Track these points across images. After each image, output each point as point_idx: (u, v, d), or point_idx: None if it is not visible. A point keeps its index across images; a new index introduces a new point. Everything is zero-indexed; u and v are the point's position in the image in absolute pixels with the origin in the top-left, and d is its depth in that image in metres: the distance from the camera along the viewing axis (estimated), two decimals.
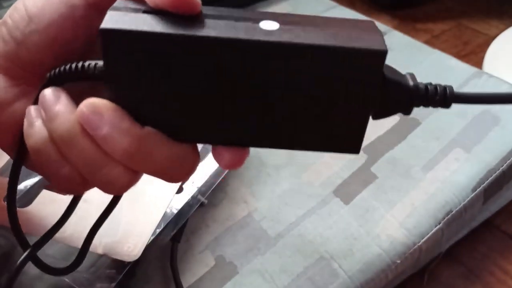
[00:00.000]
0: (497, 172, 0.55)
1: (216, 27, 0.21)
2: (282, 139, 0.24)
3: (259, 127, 0.24)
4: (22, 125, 0.25)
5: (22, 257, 0.32)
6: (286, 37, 0.21)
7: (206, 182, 0.49)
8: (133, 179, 0.25)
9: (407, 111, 0.24)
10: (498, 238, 0.70)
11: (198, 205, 0.48)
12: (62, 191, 0.28)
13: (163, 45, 0.21)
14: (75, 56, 0.26)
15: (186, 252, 0.48)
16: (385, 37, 0.75)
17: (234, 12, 0.23)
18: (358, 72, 0.22)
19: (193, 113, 0.23)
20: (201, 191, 0.48)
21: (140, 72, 0.22)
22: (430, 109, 0.59)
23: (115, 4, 0.23)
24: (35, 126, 0.24)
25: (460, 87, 0.63)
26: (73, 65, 0.24)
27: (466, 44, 1.20)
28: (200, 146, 0.49)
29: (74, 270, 0.35)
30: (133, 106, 0.23)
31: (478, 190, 0.53)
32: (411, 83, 0.23)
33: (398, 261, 0.48)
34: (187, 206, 0.47)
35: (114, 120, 0.23)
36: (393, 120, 0.59)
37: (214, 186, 0.49)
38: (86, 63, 0.23)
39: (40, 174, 0.29)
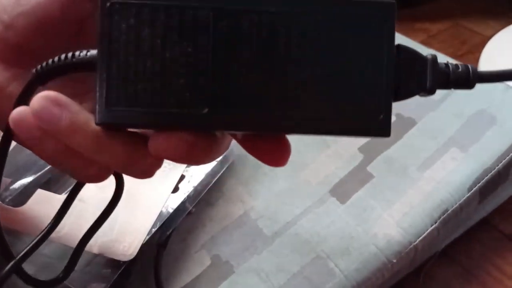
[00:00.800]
0: (493, 171, 0.55)
1: None
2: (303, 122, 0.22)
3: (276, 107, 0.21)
4: None
5: (5, 269, 0.30)
6: None
7: (202, 181, 0.49)
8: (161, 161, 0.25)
9: (430, 91, 0.22)
10: (494, 238, 0.70)
11: (186, 213, 0.47)
12: (86, 181, 0.28)
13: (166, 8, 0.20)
14: (65, 37, 0.26)
15: (182, 251, 0.48)
16: None
17: None
18: (369, 27, 0.20)
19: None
20: (188, 199, 0.48)
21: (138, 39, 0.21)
22: (426, 109, 0.60)
23: None
24: (45, 141, 0.23)
25: None
26: (62, 56, 0.23)
27: (463, 44, 1.20)
28: None
29: (62, 283, 0.34)
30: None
31: (474, 189, 0.53)
32: (429, 56, 0.22)
33: (394, 260, 0.48)
34: (185, 201, 0.47)
35: (74, 112, 0.22)
36: None
37: (211, 185, 0.49)
38: (77, 52, 0.22)
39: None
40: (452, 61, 0.68)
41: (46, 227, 0.31)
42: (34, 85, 0.23)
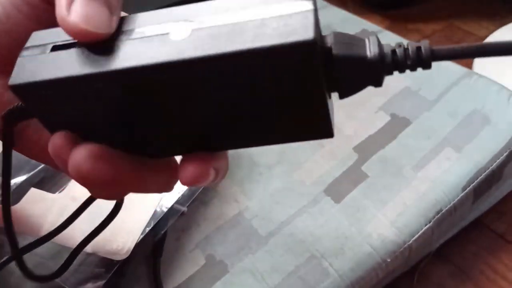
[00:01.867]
0: (487, 171, 0.55)
1: (126, 53, 0.20)
2: (246, 139, 0.23)
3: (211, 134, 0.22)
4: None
5: (6, 257, 0.31)
6: (198, 50, 0.19)
7: None
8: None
9: (377, 83, 0.21)
10: (488, 237, 0.70)
11: (179, 214, 0.47)
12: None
13: (73, 87, 0.20)
14: None
15: (177, 250, 0.48)
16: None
17: (148, 20, 0.21)
18: (290, 69, 0.19)
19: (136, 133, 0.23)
20: (182, 198, 0.48)
21: (66, 112, 0.22)
22: (421, 109, 0.60)
23: (28, 42, 0.22)
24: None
25: (450, 87, 0.63)
26: (18, 106, 0.23)
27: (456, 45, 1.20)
28: None
29: (58, 277, 0.34)
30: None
31: (468, 189, 0.53)
32: (369, 53, 0.20)
33: (389, 260, 0.48)
34: (180, 200, 0.47)
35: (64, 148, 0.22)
36: (384, 119, 0.59)
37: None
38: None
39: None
40: (447, 61, 0.68)
41: (56, 227, 0.32)
42: (10, 128, 0.24)
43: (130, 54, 0.20)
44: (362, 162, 0.55)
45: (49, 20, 0.25)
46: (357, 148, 0.56)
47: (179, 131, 0.22)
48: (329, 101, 0.21)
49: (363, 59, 0.20)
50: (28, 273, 0.32)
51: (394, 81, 0.64)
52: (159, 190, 0.25)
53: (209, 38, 0.19)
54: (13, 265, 0.44)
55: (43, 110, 0.22)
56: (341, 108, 0.61)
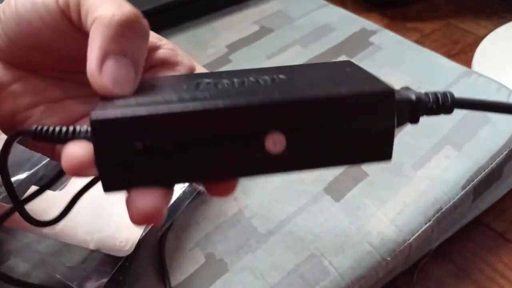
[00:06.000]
0: (487, 170, 0.55)
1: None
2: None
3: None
4: (20, 107, 0.27)
5: (9, 207, 0.31)
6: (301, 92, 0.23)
7: None
8: None
9: (415, 121, 0.25)
10: (487, 236, 0.70)
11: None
12: None
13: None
14: (60, 48, 0.27)
15: (176, 249, 0.48)
16: (376, 36, 0.76)
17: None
18: (374, 114, 0.24)
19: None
20: (184, 194, 0.48)
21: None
22: None
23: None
24: None
25: (450, 86, 0.63)
26: (61, 129, 0.24)
27: (456, 44, 1.21)
28: None
29: (58, 222, 0.35)
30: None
31: (467, 187, 0.53)
32: (413, 97, 0.25)
33: (389, 258, 0.48)
34: (181, 196, 0.47)
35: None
36: None
37: None
38: (77, 128, 0.23)
39: None
40: (446, 60, 0.68)
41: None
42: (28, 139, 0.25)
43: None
44: None
45: (67, 34, 0.26)
46: None
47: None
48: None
49: (410, 100, 0.25)
50: (31, 220, 0.33)
51: (394, 79, 0.64)
52: None
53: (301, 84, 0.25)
54: (13, 263, 0.44)
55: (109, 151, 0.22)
56: None
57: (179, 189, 0.47)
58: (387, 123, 0.24)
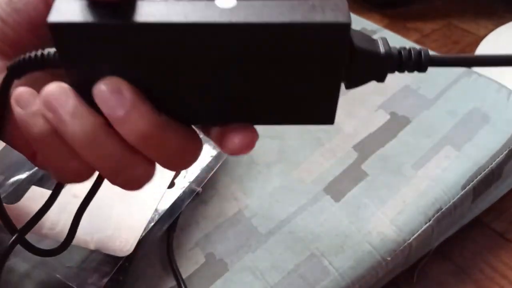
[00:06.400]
0: (487, 170, 0.55)
1: (175, 10, 0.20)
2: (259, 114, 0.24)
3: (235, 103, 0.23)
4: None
5: (11, 240, 0.32)
6: (242, 16, 0.20)
7: (198, 176, 0.49)
8: (153, 173, 0.25)
9: (380, 79, 0.23)
10: (487, 236, 0.70)
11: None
12: (62, 180, 0.27)
13: (118, 35, 0.21)
14: None
15: (176, 249, 0.48)
16: (376, 36, 0.75)
17: None
18: (322, 47, 0.21)
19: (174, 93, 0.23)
20: (195, 181, 0.48)
21: (98, 60, 0.21)
22: (421, 107, 0.60)
23: None
24: (39, 118, 0.23)
25: (450, 86, 0.63)
26: (32, 55, 0.23)
27: (456, 44, 1.21)
28: None
29: (61, 253, 0.35)
30: None
31: (467, 187, 0.53)
32: (382, 50, 0.22)
33: (389, 258, 0.48)
34: (181, 196, 0.47)
35: (135, 101, 0.22)
36: (384, 117, 0.59)
37: (206, 180, 0.49)
38: (45, 52, 0.23)
39: (33, 161, 0.28)
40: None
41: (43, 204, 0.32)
42: (11, 79, 0.24)
43: (179, 11, 0.20)
44: (362, 161, 0.55)
45: None
46: (357, 147, 0.57)
47: (210, 96, 0.23)
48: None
49: (376, 54, 0.22)
50: (34, 250, 0.33)
51: (394, 79, 0.64)
52: (182, 160, 0.25)
53: (251, 10, 0.20)
54: (13, 263, 0.44)
55: (73, 56, 0.21)
56: (341, 107, 0.60)
57: (179, 189, 0.47)
58: (333, 65, 0.22)
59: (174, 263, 0.46)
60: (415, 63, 0.23)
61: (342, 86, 0.23)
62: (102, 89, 0.22)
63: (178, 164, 0.25)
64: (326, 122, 0.24)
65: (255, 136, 0.24)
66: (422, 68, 0.23)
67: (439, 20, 1.28)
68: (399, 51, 0.23)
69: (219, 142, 0.25)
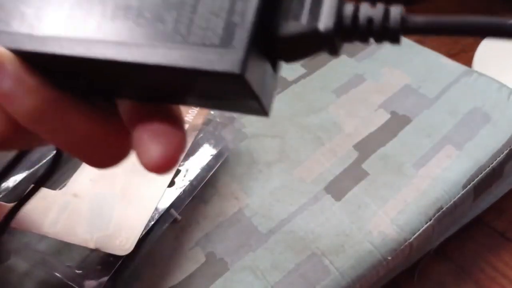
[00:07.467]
0: (487, 169, 0.55)
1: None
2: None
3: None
4: None
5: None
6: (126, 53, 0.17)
7: (198, 175, 0.49)
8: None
9: (331, 51, 0.17)
10: (488, 235, 0.70)
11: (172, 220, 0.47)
12: None
13: None
14: None
15: (175, 249, 0.48)
16: None
17: None
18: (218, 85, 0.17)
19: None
20: (195, 180, 0.48)
21: None
22: (421, 106, 0.60)
23: None
24: None
25: (451, 85, 0.63)
26: None
27: (456, 43, 1.21)
28: (190, 142, 0.49)
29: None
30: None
31: (468, 187, 0.53)
32: (322, 25, 0.16)
33: (389, 258, 0.48)
34: (183, 194, 0.47)
35: (20, 73, 0.18)
36: (384, 117, 0.59)
37: (206, 180, 0.49)
38: None
39: None
40: (447, 59, 0.68)
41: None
42: None
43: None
44: (362, 160, 0.55)
45: None
46: (357, 146, 0.56)
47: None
48: (268, 78, 0.18)
49: (314, 32, 0.16)
50: None
51: (394, 79, 0.64)
52: (99, 152, 0.20)
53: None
54: (13, 262, 0.44)
55: None
56: (341, 106, 0.61)
57: (179, 188, 0.47)
58: (243, 95, 0.17)
59: None
60: (381, 30, 0.16)
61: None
62: None
63: (94, 157, 0.21)
64: (261, 115, 0.19)
65: (181, 143, 0.19)
66: (392, 38, 0.17)
67: None
68: (354, 16, 0.16)
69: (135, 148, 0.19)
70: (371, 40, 0.17)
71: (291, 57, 0.18)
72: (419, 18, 0.16)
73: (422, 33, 0.17)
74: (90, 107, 0.20)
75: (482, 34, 0.16)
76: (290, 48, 0.17)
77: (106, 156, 0.21)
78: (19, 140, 0.20)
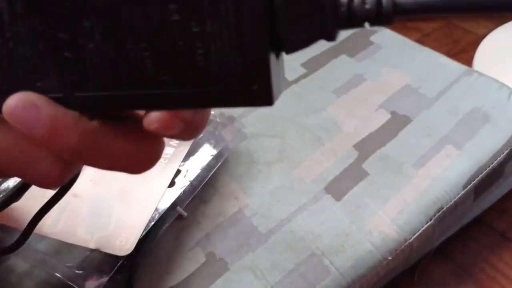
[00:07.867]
0: (488, 169, 0.55)
1: None
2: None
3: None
4: None
5: None
6: None
7: (198, 175, 0.49)
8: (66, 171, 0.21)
9: (328, 37, 0.17)
10: (488, 235, 0.70)
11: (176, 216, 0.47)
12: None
13: None
14: None
15: (175, 249, 0.48)
16: (376, 35, 0.76)
17: None
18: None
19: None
20: (195, 180, 0.48)
21: None
22: (421, 106, 0.60)
23: None
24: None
25: (451, 85, 0.63)
26: None
27: (456, 43, 1.21)
28: (190, 142, 0.49)
29: (14, 252, 0.34)
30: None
31: (469, 187, 0.53)
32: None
33: (390, 258, 0.48)
34: (183, 194, 0.47)
35: (57, 113, 0.19)
36: (384, 117, 0.59)
37: (206, 180, 0.49)
38: None
39: None
40: (447, 59, 0.68)
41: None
42: None
43: None
44: (362, 160, 0.55)
45: None
46: (357, 146, 0.56)
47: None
48: (272, 59, 0.18)
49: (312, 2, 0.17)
50: None
51: (394, 78, 0.64)
52: (137, 162, 0.21)
53: None
54: (13, 262, 0.44)
55: None
56: (341, 106, 0.61)
57: (179, 188, 0.47)
58: (252, 33, 0.17)
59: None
60: (374, 13, 0.17)
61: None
62: (12, 105, 0.18)
63: (135, 168, 0.22)
64: (264, 103, 0.18)
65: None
66: (386, 21, 0.17)
67: (439, 20, 1.28)
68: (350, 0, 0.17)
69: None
70: (366, 24, 0.17)
71: (291, 45, 0.18)
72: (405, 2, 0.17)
73: (414, 14, 0.17)
74: (120, 127, 0.21)
75: (470, 11, 0.17)
76: (291, 34, 0.17)
77: (144, 162, 0.22)
78: (68, 174, 0.21)
